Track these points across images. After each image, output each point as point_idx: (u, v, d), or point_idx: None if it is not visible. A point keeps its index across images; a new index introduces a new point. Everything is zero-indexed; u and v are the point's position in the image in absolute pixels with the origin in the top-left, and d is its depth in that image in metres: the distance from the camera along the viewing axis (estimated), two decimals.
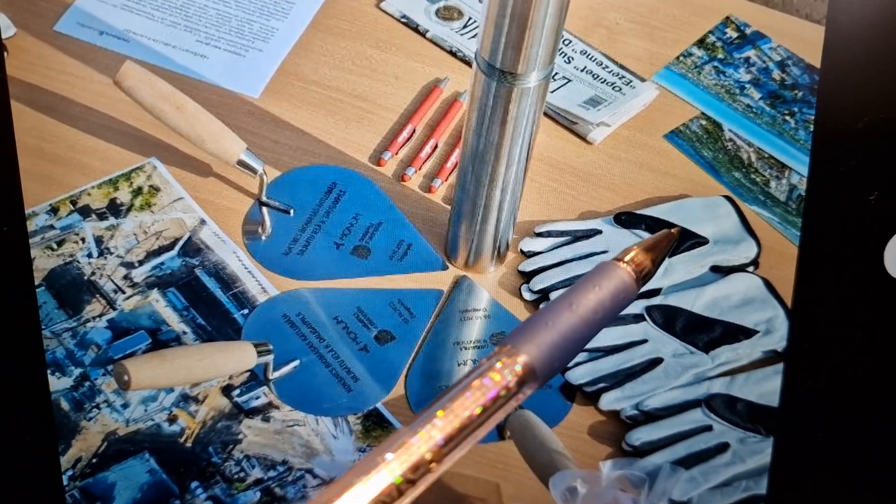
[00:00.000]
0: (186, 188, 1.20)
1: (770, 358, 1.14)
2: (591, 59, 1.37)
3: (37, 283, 1.11)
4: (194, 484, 1.01)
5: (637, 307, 1.15)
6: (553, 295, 1.16)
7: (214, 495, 1.01)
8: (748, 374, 1.11)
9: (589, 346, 1.11)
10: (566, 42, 1.39)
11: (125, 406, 1.04)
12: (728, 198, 1.25)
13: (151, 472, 1.01)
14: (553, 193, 1.26)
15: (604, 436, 1.08)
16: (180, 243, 1.16)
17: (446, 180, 1.25)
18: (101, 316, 1.10)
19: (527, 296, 1.17)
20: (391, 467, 0.46)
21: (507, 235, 1.17)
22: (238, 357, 1.04)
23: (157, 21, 1.36)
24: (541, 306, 1.15)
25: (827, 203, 0.82)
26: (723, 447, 1.06)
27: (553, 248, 1.20)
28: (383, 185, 1.24)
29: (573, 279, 1.17)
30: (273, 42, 1.36)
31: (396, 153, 1.27)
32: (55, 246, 1.14)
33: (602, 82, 1.35)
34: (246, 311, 1.12)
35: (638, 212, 1.23)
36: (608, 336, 1.14)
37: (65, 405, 1.04)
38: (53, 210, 1.17)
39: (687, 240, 1.20)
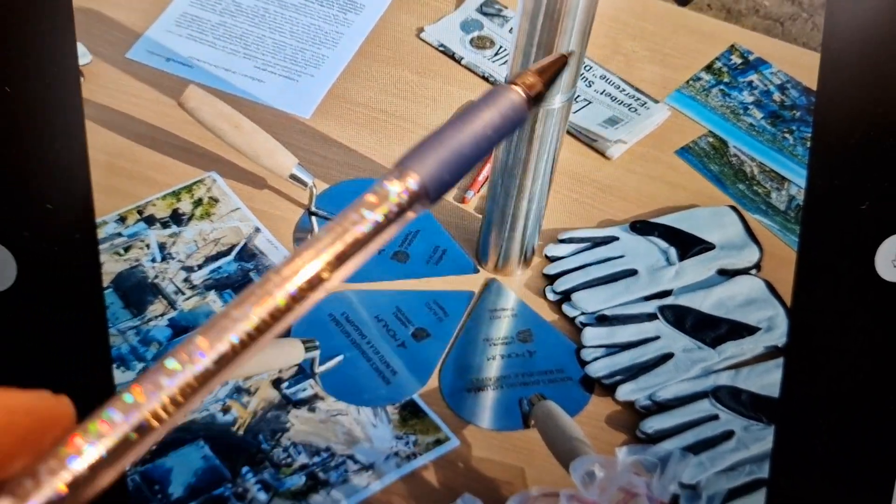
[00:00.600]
0: (243, 199, 1.20)
1: (771, 353, 1.13)
2: (609, 83, 1.37)
3: (105, 285, 1.11)
4: (245, 469, 1.01)
5: (651, 307, 1.15)
6: (574, 296, 1.16)
7: (263, 479, 1.01)
8: (751, 367, 1.11)
9: (607, 342, 1.12)
10: (587, 68, 1.39)
11: None
12: (733, 207, 1.25)
13: (205, 458, 1.01)
14: (575, 204, 1.26)
15: (620, 424, 1.08)
16: (236, 249, 1.16)
17: (478, 192, 1.25)
18: (162, 315, 1.10)
19: (550, 296, 1.17)
20: (286, 287, 0.45)
21: (533, 242, 1.17)
22: (287, 352, 1.05)
23: (218, 49, 1.36)
24: (563, 307, 1.16)
25: (822, 212, 0.82)
26: (728, 434, 1.06)
27: (574, 254, 1.20)
28: None
29: (593, 281, 1.17)
30: (324, 68, 1.36)
31: None
32: (122, 252, 1.14)
33: (619, 104, 1.34)
34: None
35: (651, 220, 1.23)
36: (624, 333, 1.13)
37: None
38: (122, 219, 1.17)
39: (696, 245, 1.20)
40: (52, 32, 0.79)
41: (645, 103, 1.35)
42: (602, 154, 1.31)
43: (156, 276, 1.13)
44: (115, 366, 1.06)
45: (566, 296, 1.16)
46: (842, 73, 0.80)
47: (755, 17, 1.59)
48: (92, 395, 0.79)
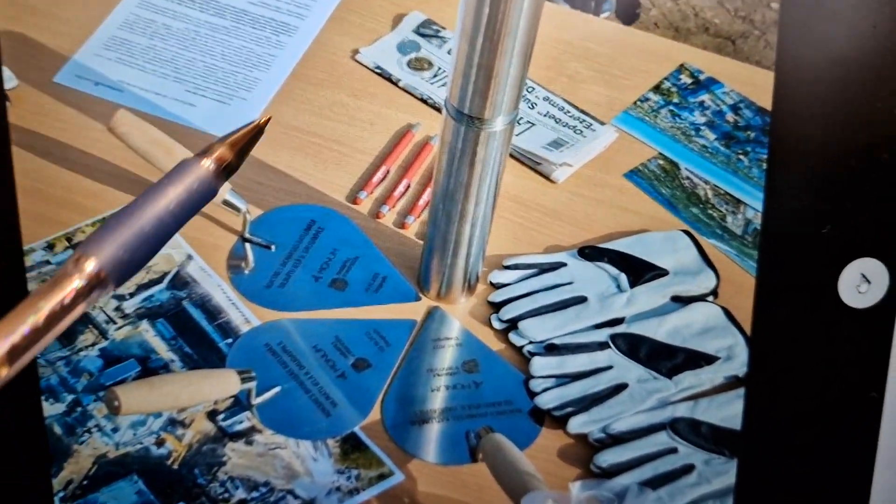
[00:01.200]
0: None
1: (731, 383, 1.11)
2: (553, 104, 1.35)
3: None
4: None
5: (602, 335, 1.13)
6: (521, 324, 1.13)
7: None
8: (711, 398, 1.09)
9: (557, 372, 1.10)
10: (530, 89, 1.36)
11: (115, 430, 1.02)
12: (687, 232, 1.23)
13: (139, 494, 0.99)
14: (520, 229, 1.23)
15: (573, 458, 1.05)
16: (168, 277, 1.14)
17: (418, 217, 1.23)
18: (93, 345, 1.08)
19: (496, 325, 1.14)
20: None
21: (477, 268, 1.14)
22: (222, 383, 1.03)
23: (148, 73, 1.33)
24: (510, 335, 1.13)
25: (782, 236, 0.80)
26: (688, 468, 1.03)
27: (520, 280, 1.17)
28: (359, 223, 1.22)
29: (541, 309, 1.15)
30: (256, 91, 1.33)
31: (371, 192, 1.24)
32: None
33: (564, 126, 1.32)
34: (230, 340, 1.10)
35: (600, 245, 1.20)
36: (575, 363, 1.11)
37: (57, 429, 1.01)
38: (50, 246, 1.14)
39: (648, 271, 1.18)
40: None
41: (591, 125, 1.32)
42: (547, 178, 1.28)
43: None
44: (43, 397, 1.03)
45: (513, 324, 1.13)
46: (797, 91, 0.78)
47: (705, 35, 1.58)
48: (19, 427, 0.79)
